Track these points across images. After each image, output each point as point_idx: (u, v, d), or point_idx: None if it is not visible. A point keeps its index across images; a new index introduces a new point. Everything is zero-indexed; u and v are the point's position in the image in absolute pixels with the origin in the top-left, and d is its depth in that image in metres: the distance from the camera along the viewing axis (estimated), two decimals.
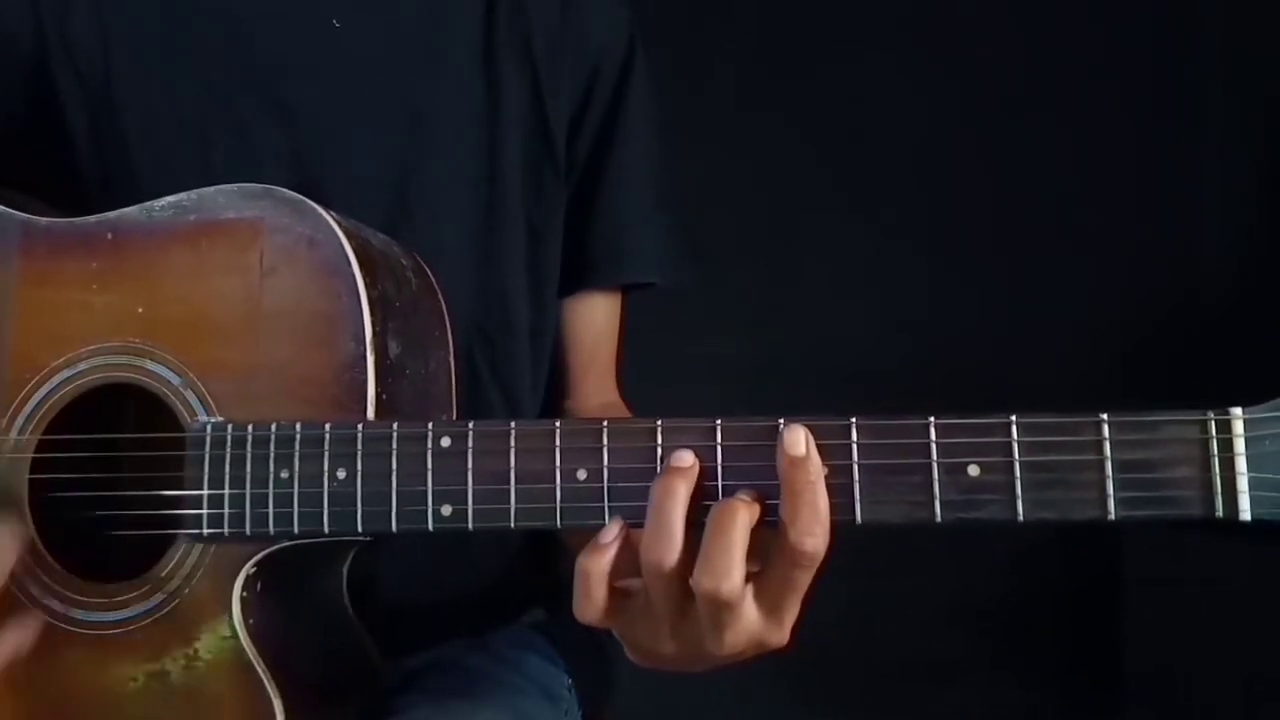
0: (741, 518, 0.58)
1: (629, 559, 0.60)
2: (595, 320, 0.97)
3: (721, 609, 0.58)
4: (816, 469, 0.58)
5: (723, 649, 0.60)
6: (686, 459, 0.59)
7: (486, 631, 0.92)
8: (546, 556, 0.96)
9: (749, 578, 0.58)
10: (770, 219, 2.10)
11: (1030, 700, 2.01)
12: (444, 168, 0.89)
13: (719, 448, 0.60)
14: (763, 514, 0.59)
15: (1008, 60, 2.09)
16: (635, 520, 0.60)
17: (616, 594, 0.61)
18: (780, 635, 0.60)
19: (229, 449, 0.67)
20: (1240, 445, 0.56)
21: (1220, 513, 0.56)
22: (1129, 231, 2.09)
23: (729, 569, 0.57)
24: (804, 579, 0.59)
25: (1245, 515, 0.56)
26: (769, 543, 0.59)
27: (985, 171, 2.09)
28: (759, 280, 2.09)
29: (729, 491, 0.60)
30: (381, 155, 0.88)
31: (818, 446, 0.59)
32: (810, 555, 0.57)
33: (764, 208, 2.09)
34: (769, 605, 0.59)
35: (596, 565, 0.59)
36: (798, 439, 0.58)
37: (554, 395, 0.96)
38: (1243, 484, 0.56)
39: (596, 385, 0.97)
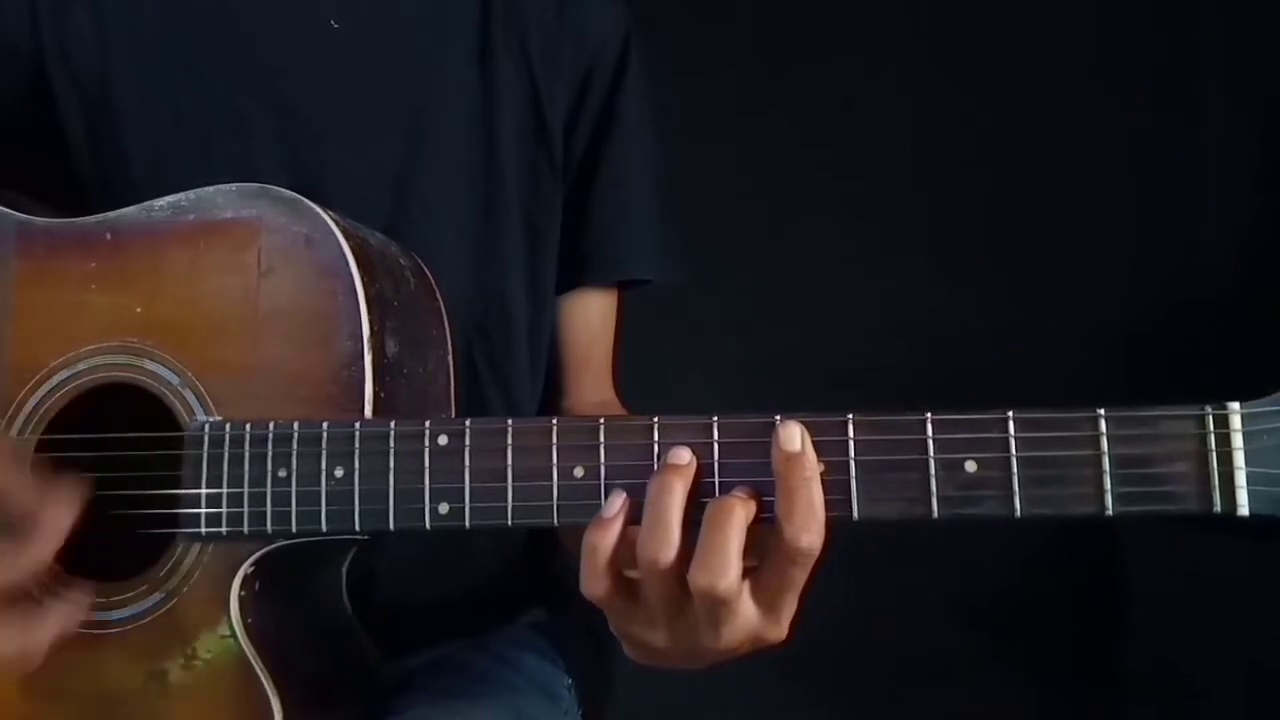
0: (738, 515, 0.57)
1: (630, 552, 0.60)
2: (591, 318, 0.97)
3: (718, 605, 0.58)
4: (812, 465, 0.58)
5: (719, 645, 0.60)
6: (684, 456, 0.59)
7: (486, 631, 0.92)
8: (546, 556, 0.96)
9: (746, 574, 0.58)
10: (769, 219, 2.10)
11: (1030, 696, 2.01)
12: (442, 167, 0.90)
13: (715, 445, 0.60)
14: (759, 511, 0.59)
15: (1007, 60, 2.08)
16: (632, 518, 0.60)
17: (622, 576, 0.61)
18: (778, 631, 0.60)
19: (227, 448, 0.67)
20: (1238, 440, 0.56)
21: (1218, 508, 0.56)
22: (1128, 230, 2.08)
23: (725, 566, 0.57)
24: (801, 576, 0.58)
25: (1243, 510, 0.56)
26: (766, 539, 0.58)
27: (985, 171, 2.09)
28: (759, 280, 2.09)
29: (726, 489, 0.60)
30: (380, 155, 0.88)
31: (815, 443, 0.59)
32: (806, 552, 0.57)
33: (763, 207, 2.09)
34: (767, 602, 0.59)
35: (602, 540, 0.59)
36: (793, 435, 0.58)
37: (550, 393, 0.96)
38: (1241, 479, 0.55)
39: (592, 383, 0.97)
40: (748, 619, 0.59)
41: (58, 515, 0.64)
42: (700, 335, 2.00)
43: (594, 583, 0.60)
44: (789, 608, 0.60)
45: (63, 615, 0.65)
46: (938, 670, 2.00)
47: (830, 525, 0.58)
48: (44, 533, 0.64)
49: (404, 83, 0.89)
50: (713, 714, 1.83)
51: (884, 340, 2.04)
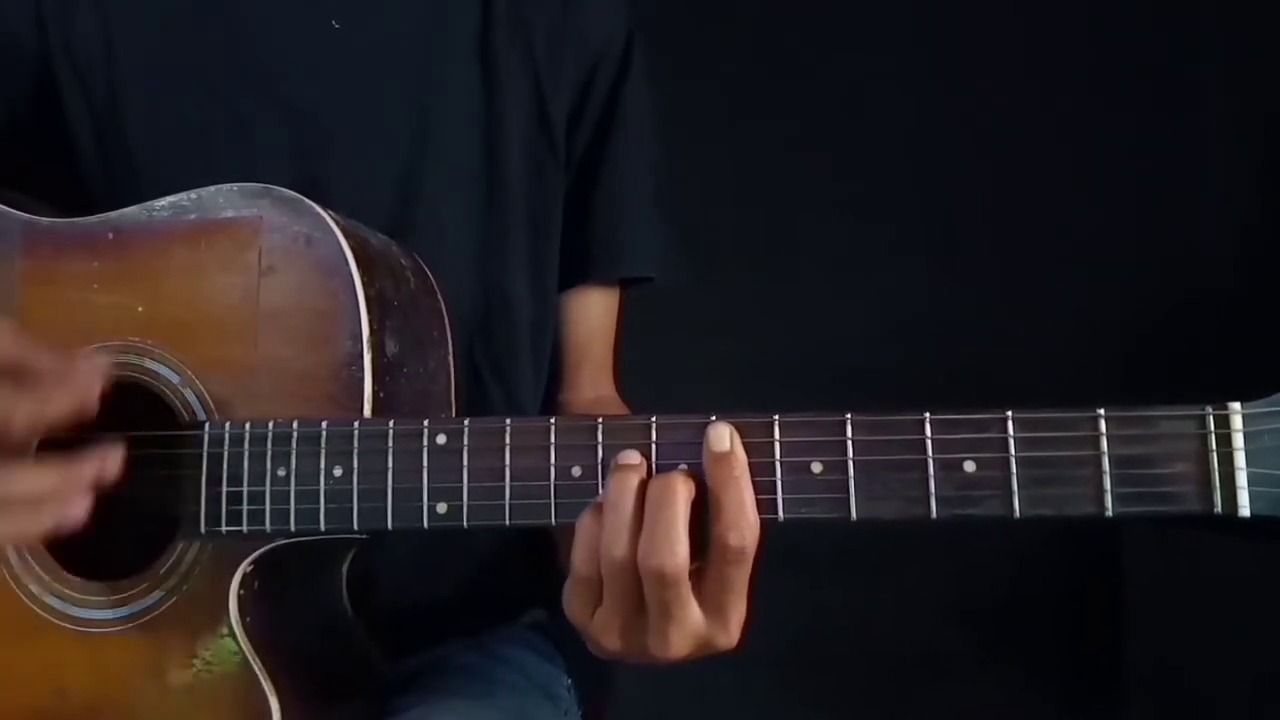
0: (680, 492, 0.58)
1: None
2: (592, 314, 0.97)
3: (668, 589, 0.58)
4: (740, 464, 0.59)
5: (669, 652, 0.60)
6: (633, 457, 0.60)
7: (486, 631, 0.92)
8: (546, 556, 0.96)
9: (690, 575, 0.59)
10: (770, 218, 2.10)
11: (1030, 698, 2.01)
12: (446, 165, 0.90)
13: None
14: (700, 491, 0.59)
15: (1007, 60, 2.09)
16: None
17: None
18: (727, 637, 0.61)
19: (226, 447, 0.67)
20: (1239, 440, 0.56)
21: (1219, 508, 0.56)
22: (1128, 230, 2.09)
23: (673, 544, 0.58)
24: (737, 575, 0.59)
25: (1244, 511, 0.56)
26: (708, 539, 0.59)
27: (985, 171, 2.09)
28: (759, 280, 2.09)
29: None
30: (384, 154, 0.88)
31: (814, 443, 0.59)
32: (736, 551, 0.58)
33: (763, 207, 2.09)
34: (711, 605, 0.60)
35: (593, 525, 0.60)
36: (722, 436, 0.59)
37: (549, 388, 0.96)
38: (1241, 479, 0.55)
39: (591, 379, 0.97)
40: (695, 622, 0.60)
41: (88, 372, 0.64)
42: (700, 335, 2.00)
43: (582, 563, 0.61)
44: (735, 610, 0.60)
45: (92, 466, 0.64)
46: (938, 671, 2.00)
47: (828, 526, 0.58)
48: (72, 382, 0.64)
49: (407, 82, 0.89)
50: (713, 714, 1.83)
51: (883, 340, 2.04)
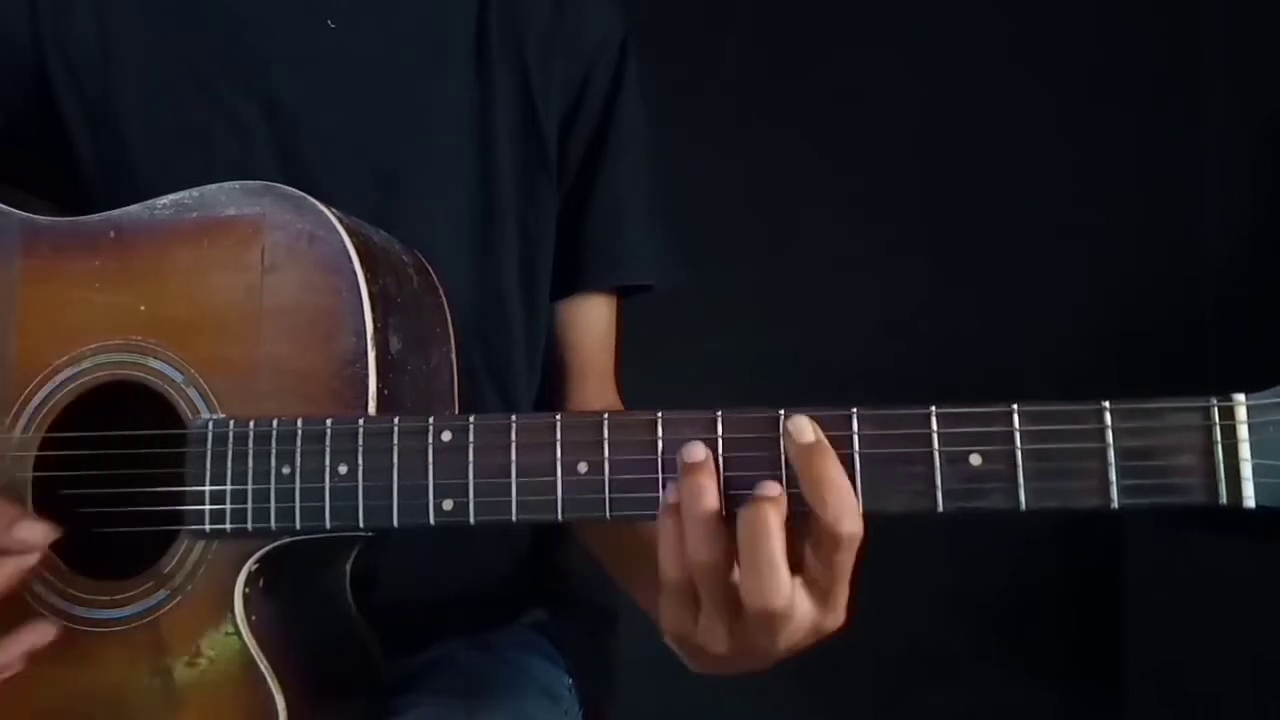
0: (774, 521, 0.57)
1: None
2: (592, 323, 0.96)
3: (775, 619, 0.57)
4: (830, 451, 0.58)
5: (780, 648, 0.60)
6: (699, 453, 0.59)
7: (487, 631, 0.92)
8: (548, 556, 0.96)
9: (796, 571, 0.58)
10: (769, 218, 2.10)
11: (1033, 695, 2.01)
12: (437, 167, 0.90)
13: (720, 440, 0.60)
14: (791, 504, 0.58)
15: (1007, 59, 2.09)
16: (637, 511, 0.61)
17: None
18: (835, 618, 0.60)
19: (231, 445, 0.67)
20: (1244, 432, 0.56)
21: (1224, 500, 0.56)
22: (1129, 228, 2.09)
23: (776, 582, 0.56)
24: (848, 561, 0.58)
25: (1249, 502, 0.56)
26: (807, 525, 0.58)
27: (985, 169, 2.09)
28: (759, 280, 2.09)
29: (732, 483, 0.59)
30: (376, 154, 0.88)
31: None
32: (850, 537, 0.57)
33: (763, 207, 2.09)
34: (821, 595, 0.59)
35: (670, 526, 0.59)
36: (804, 427, 0.58)
37: (553, 399, 0.95)
38: (1246, 470, 0.55)
39: (596, 388, 0.96)
40: (805, 615, 0.59)
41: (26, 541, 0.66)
42: (700, 335, 2.00)
43: (671, 568, 0.59)
44: (843, 594, 0.59)
45: (25, 642, 0.67)
46: (940, 670, 2.00)
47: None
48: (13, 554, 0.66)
49: (401, 84, 0.89)
50: (714, 714, 1.82)
51: (883, 340, 2.04)
